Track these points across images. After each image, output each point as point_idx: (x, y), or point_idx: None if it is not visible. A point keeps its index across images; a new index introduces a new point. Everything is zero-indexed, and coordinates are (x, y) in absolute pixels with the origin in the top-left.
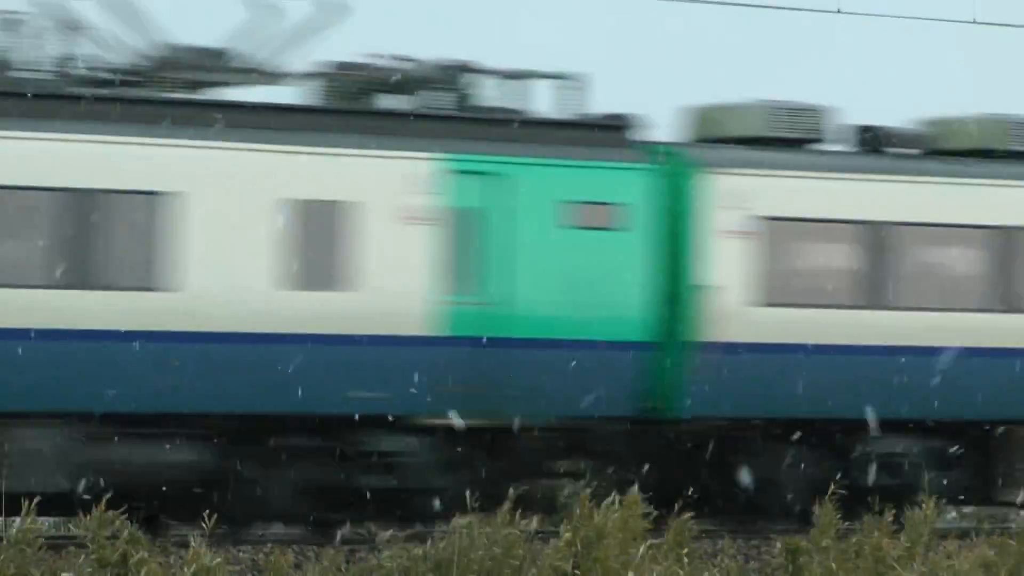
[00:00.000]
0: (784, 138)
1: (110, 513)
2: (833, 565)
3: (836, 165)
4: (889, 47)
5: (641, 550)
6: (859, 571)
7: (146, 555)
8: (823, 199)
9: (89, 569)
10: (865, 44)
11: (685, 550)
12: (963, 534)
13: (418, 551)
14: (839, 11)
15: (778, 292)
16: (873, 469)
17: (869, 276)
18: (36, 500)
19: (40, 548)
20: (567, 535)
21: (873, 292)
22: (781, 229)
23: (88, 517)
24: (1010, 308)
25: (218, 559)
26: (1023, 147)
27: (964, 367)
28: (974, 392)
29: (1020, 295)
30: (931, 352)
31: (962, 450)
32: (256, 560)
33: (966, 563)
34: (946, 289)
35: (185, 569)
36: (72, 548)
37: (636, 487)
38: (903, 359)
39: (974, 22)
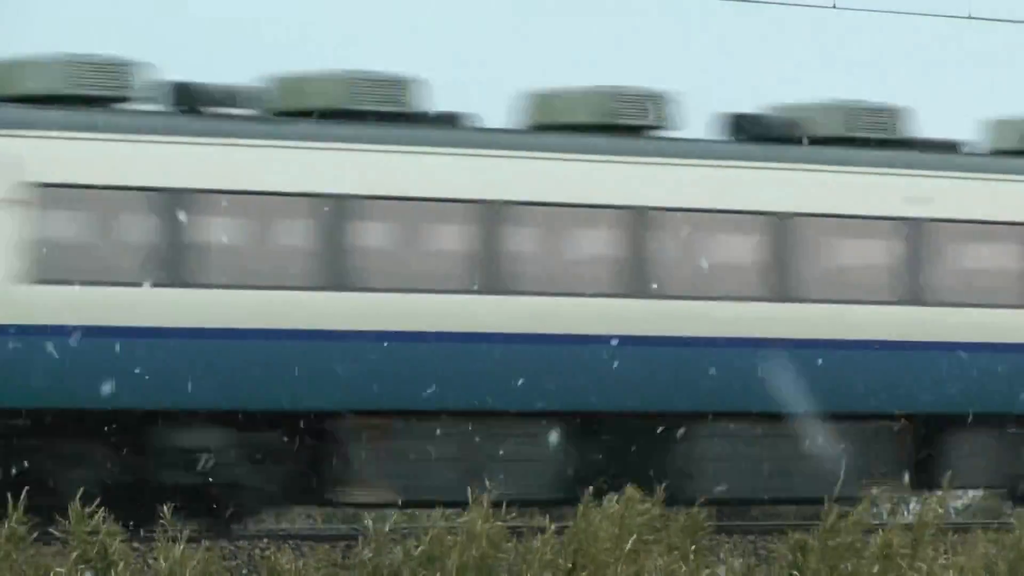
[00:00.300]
0: (84, 96)
1: (88, 509)
2: (848, 566)
3: (128, 126)
4: (885, 42)
5: (629, 545)
6: (866, 568)
7: (124, 548)
8: (113, 164)
9: (81, 566)
10: (861, 39)
11: (693, 547)
12: (958, 529)
13: (412, 547)
14: (835, 6)
15: (52, 268)
16: (172, 464)
17: (168, 248)
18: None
19: (29, 544)
20: (551, 529)
21: (175, 268)
22: (60, 197)
23: (68, 513)
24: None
25: (181, 548)
26: (369, 107)
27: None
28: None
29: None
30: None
31: (289, 444)
32: (252, 555)
33: (972, 559)
34: (255, 264)
35: (162, 562)
36: (58, 545)
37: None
38: (207, 340)
39: (969, 17)
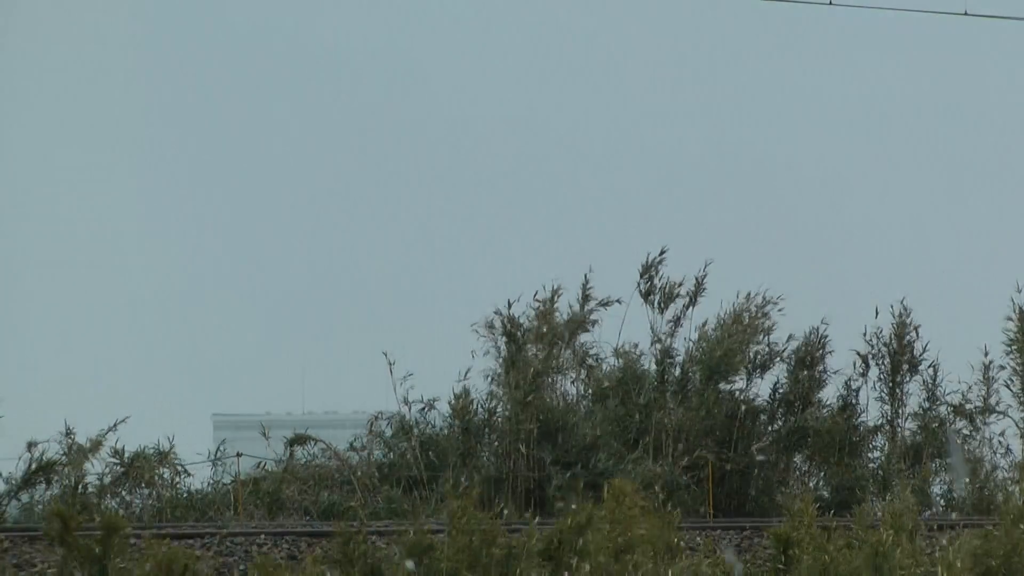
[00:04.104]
0: None
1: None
2: (827, 558)
3: None
4: (882, 39)
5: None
6: (856, 560)
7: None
8: None
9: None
10: (857, 36)
11: (679, 541)
12: (949, 527)
13: (407, 540)
14: (831, 3)
15: None
16: None
17: None
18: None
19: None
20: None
21: None
22: None
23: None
24: None
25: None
26: None
27: None
28: None
29: None
30: None
31: None
32: (249, 552)
33: (962, 553)
34: None
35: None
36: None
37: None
38: None
39: (965, 14)
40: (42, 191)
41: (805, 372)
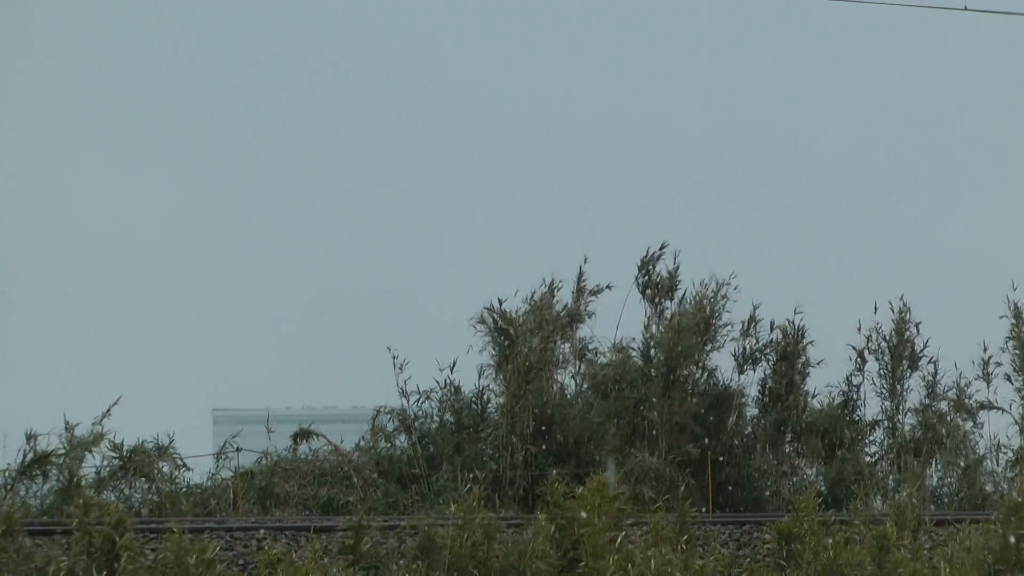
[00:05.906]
0: None
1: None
2: (831, 553)
3: None
4: (882, 35)
5: (621, 536)
6: (860, 555)
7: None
8: None
9: (83, 557)
10: (856, 33)
11: (685, 536)
12: (945, 522)
13: (409, 540)
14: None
15: None
16: None
17: None
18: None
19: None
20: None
21: None
22: None
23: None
24: None
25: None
26: None
27: None
28: None
29: None
30: None
31: None
32: (249, 546)
33: (960, 548)
34: None
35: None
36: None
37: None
38: None
39: (965, 9)
40: (45, 189)
41: (785, 363)
